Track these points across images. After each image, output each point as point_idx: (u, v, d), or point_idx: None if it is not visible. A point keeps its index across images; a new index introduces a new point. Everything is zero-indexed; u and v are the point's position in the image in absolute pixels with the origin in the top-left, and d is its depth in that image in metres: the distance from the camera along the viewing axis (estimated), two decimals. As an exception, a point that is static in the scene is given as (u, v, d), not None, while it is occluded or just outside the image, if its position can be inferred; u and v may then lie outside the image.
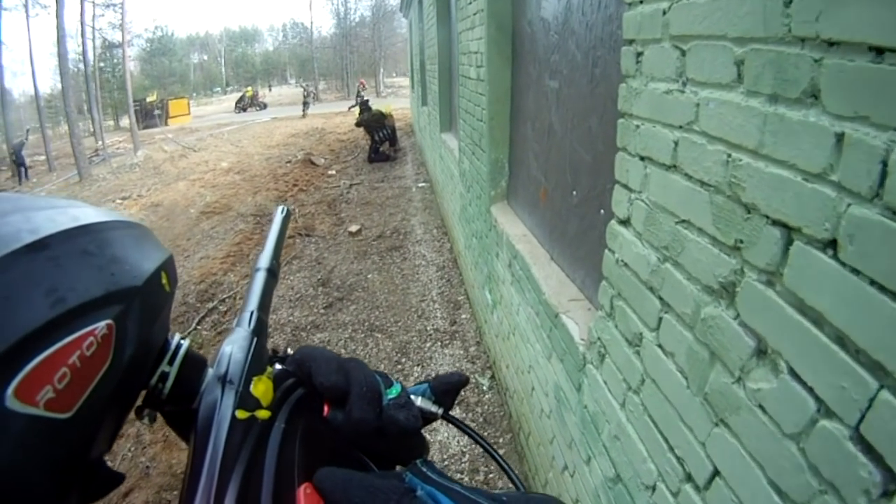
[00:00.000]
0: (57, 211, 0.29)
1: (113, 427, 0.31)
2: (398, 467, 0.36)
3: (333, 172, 9.20)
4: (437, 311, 3.91)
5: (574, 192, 1.87)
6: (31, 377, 0.23)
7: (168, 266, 0.36)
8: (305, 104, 21.72)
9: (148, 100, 24.69)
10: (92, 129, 20.23)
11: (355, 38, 37.22)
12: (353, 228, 5.75)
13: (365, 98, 10.60)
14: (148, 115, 22.70)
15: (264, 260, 0.53)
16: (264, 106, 27.41)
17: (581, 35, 1.70)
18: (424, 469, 0.33)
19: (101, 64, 29.10)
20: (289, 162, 10.32)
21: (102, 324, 0.27)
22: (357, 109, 15.01)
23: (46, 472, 0.25)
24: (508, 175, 2.89)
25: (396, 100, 24.08)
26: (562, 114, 1.95)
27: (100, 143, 17.67)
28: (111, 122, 29.09)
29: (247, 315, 0.45)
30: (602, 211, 1.59)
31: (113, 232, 0.32)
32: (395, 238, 5.47)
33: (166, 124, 22.99)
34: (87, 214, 0.31)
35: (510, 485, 0.41)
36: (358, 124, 9.98)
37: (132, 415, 0.34)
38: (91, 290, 0.27)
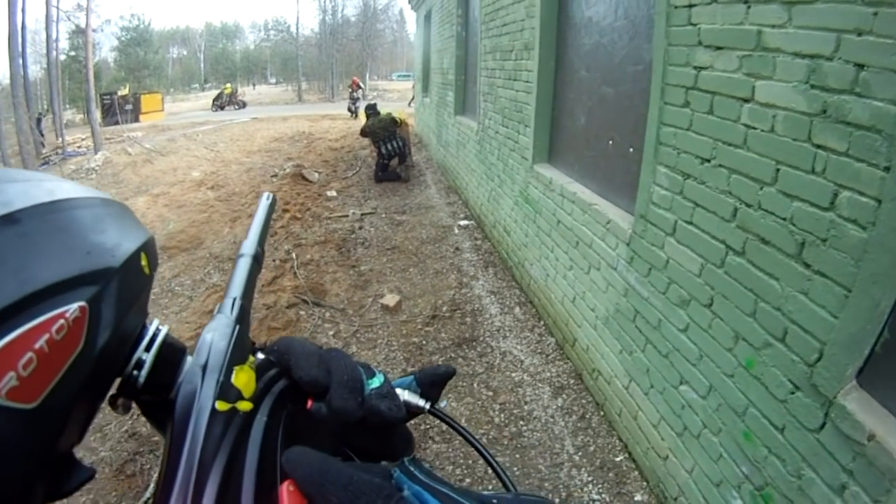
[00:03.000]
0: (32, 184, 0.28)
1: (84, 417, 0.29)
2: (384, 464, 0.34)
3: (334, 193, 7.24)
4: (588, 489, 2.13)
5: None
6: None
7: (148, 247, 0.35)
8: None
9: (119, 93, 22.76)
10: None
11: (342, 36, 34.98)
12: (390, 300, 3.85)
13: (371, 102, 8.56)
14: (119, 110, 20.39)
15: (248, 246, 0.50)
16: (244, 105, 25.85)
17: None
18: (412, 468, 0.31)
19: (73, 53, 26.73)
20: (274, 176, 8.25)
21: (75, 306, 0.26)
22: (356, 113, 12.93)
23: (9, 465, 0.23)
24: None
25: (385, 104, 22.37)
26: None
27: (59, 139, 15.15)
28: (81, 116, 26.59)
29: (229, 302, 0.42)
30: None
31: (91, 209, 0.31)
32: (457, 321, 3.62)
33: (138, 120, 21.04)
34: (65, 189, 0.30)
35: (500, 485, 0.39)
36: (364, 132, 7.92)
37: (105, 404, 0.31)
38: (64, 270, 0.26)
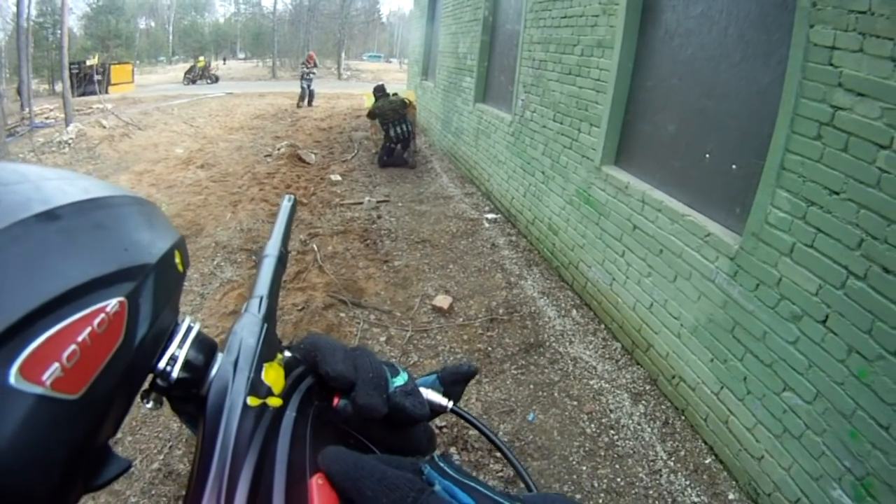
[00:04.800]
0: (67, 182, 0.31)
1: (121, 410, 0.32)
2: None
3: (338, 178, 7.48)
4: (688, 493, 2.61)
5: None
6: (38, 354, 0.24)
7: (181, 246, 0.39)
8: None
9: (88, 63, 22.84)
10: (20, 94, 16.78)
11: (319, 13, 36.05)
12: (443, 302, 4.20)
13: (380, 83, 8.70)
14: (87, 81, 20.58)
15: (272, 247, 0.57)
16: (216, 79, 27.46)
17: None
18: (441, 464, 0.35)
19: (41, 19, 27.10)
20: (268, 156, 8.41)
21: (115, 301, 0.29)
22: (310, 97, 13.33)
23: (53, 456, 0.25)
24: None
25: (359, 84, 22.50)
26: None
27: (26, 110, 14.52)
28: (46, 87, 27.18)
29: (256, 301, 0.47)
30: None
31: (125, 207, 0.34)
32: (517, 324, 4.02)
33: (107, 92, 21.16)
34: (98, 187, 0.33)
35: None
36: (372, 114, 8.16)
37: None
38: (104, 266, 0.29)
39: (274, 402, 0.39)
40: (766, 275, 2.49)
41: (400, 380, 0.43)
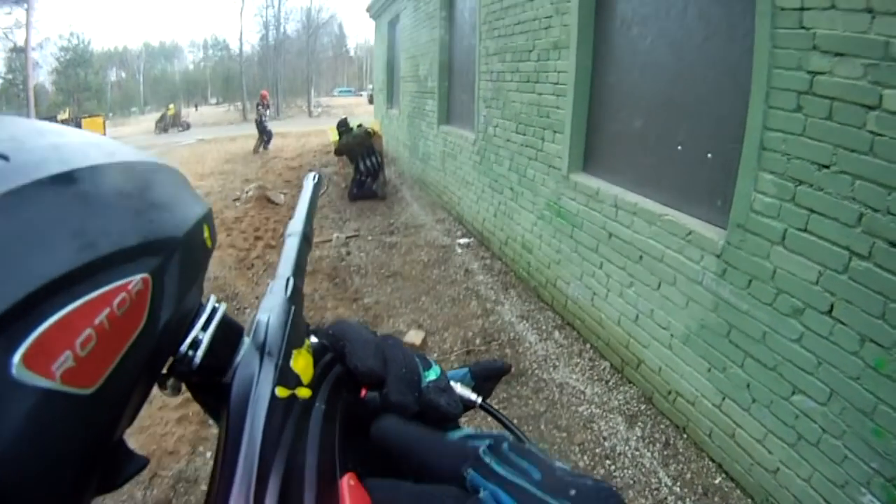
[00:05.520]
0: (90, 145, 0.29)
1: (139, 401, 0.30)
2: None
3: (305, 216, 7.20)
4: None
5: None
6: (46, 340, 0.21)
7: (209, 219, 0.37)
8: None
9: (59, 118, 23.41)
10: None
11: (285, 52, 36.17)
12: (415, 337, 3.89)
13: (342, 118, 8.52)
14: None
15: (297, 225, 0.55)
16: (188, 126, 27.52)
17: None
18: (488, 460, 0.32)
19: (10, 76, 27.38)
20: (237, 200, 8.14)
21: (138, 277, 0.26)
22: (267, 141, 13.24)
23: (63, 458, 0.23)
24: None
25: (330, 121, 22.55)
26: None
27: None
28: None
29: (282, 282, 0.45)
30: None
31: (153, 174, 0.32)
32: (496, 353, 3.73)
33: None
34: (125, 152, 0.31)
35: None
36: (339, 151, 7.96)
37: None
38: (126, 237, 0.26)
39: (304, 392, 0.37)
40: (759, 269, 2.26)
41: (433, 374, 0.40)
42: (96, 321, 0.23)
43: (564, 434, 2.92)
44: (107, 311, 0.24)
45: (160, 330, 0.28)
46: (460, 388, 0.44)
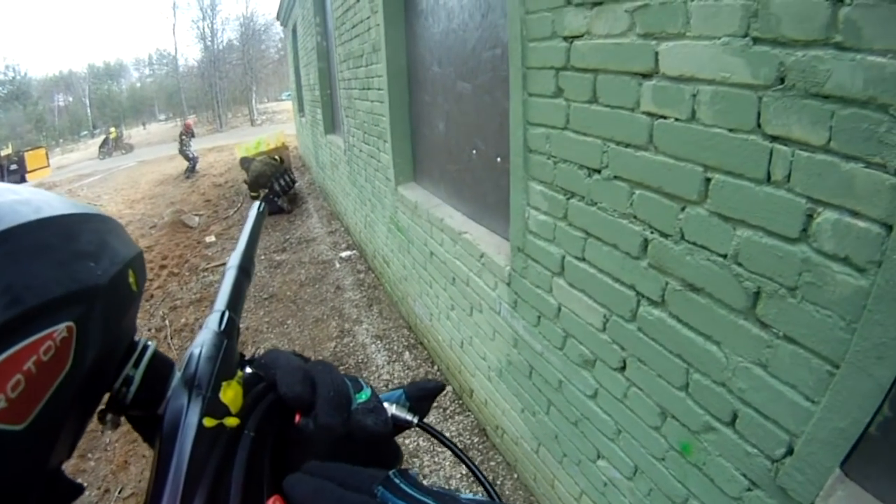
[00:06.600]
0: (20, 202, 0.25)
1: (73, 434, 0.27)
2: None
3: (213, 239, 6.07)
4: None
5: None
6: None
7: (136, 263, 0.33)
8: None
9: (3, 153, 19.41)
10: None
11: (224, 62, 31.67)
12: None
13: (242, 156, 7.24)
14: (3, 172, 17.14)
15: (236, 258, 0.46)
16: (131, 148, 23.71)
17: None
18: (397, 481, 0.29)
19: None
20: (153, 227, 6.87)
21: (62, 326, 0.24)
22: (193, 167, 11.64)
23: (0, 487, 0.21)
24: None
25: (273, 127, 20.55)
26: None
27: None
28: None
29: (216, 315, 0.38)
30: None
31: (80, 225, 0.29)
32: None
33: (25, 180, 17.85)
34: (52, 206, 0.27)
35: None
36: (253, 186, 6.73)
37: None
38: (50, 289, 0.23)
39: (231, 422, 0.32)
40: (544, 304, 1.43)
41: (363, 396, 0.35)
42: (24, 367, 0.21)
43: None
44: (34, 357, 0.22)
45: (86, 371, 0.25)
46: (396, 409, 0.38)
